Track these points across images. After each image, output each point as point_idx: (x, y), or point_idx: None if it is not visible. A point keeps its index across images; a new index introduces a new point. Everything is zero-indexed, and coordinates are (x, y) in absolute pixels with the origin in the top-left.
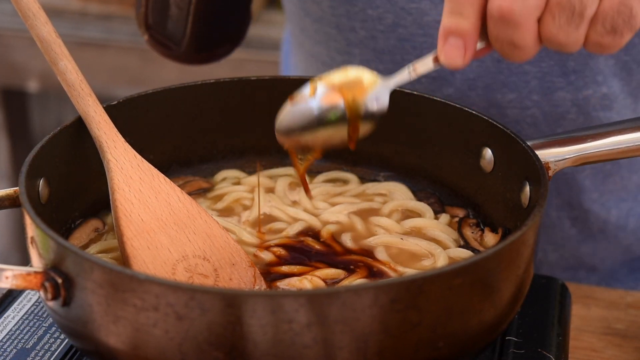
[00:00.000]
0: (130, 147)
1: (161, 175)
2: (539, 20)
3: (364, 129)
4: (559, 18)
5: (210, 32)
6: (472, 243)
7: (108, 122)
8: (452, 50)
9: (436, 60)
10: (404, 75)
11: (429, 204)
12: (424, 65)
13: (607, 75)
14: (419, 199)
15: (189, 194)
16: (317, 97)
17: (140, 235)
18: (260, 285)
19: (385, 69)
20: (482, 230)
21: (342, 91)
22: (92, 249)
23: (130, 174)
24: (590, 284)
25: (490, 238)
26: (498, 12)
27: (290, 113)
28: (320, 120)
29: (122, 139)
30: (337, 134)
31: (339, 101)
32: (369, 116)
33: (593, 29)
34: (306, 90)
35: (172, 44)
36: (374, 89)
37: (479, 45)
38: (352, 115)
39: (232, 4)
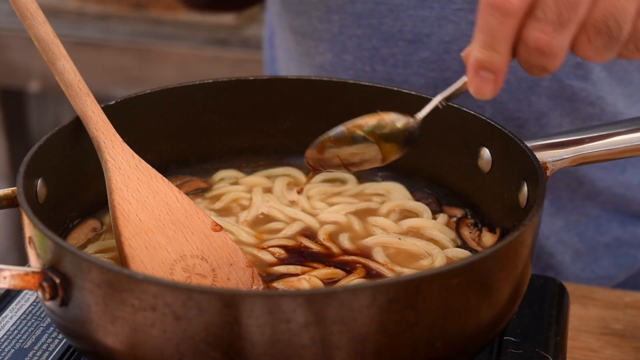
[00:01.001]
0: (128, 147)
1: (159, 175)
2: (573, 41)
3: (395, 150)
4: (595, 42)
5: None
6: (470, 243)
7: (106, 122)
8: (484, 84)
9: (464, 87)
10: (433, 104)
11: (426, 204)
12: (454, 94)
13: None
14: (417, 199)
15: (187, 193)
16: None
17: (138, 235)
18: (258, 285)
19: (363, 34)
20: (480, 230)
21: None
22: (90, 249)
23: (128, 174)
24: (574, 270)
25: (488, 238)
26: (535, 44)
27: (325, 135)
28: (351, 139)
29: (120, 139)
30: (367, 153)
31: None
32: (397, 135)
33: (625, 48)
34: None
35: None
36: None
37: None
38: (378, 135)
39: None
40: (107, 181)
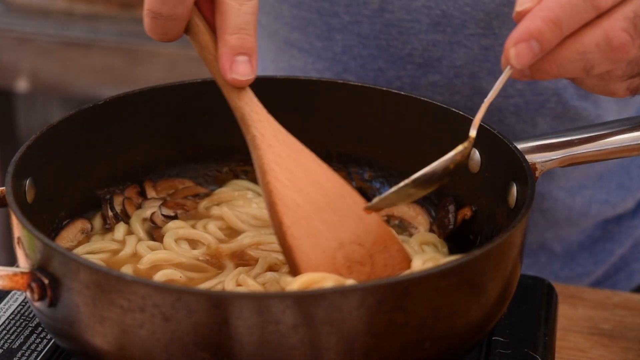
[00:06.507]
0: (273, 119)
1: (307, 150)
2: None
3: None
4: None
5: None
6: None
7: (249, 91)
8: (524, 50)
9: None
10: (483, 111)
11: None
12: (497, 87)
13: None
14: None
15: (185, 198)
16: None
17: (298, 223)
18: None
19: (369, 55)
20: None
21: None
22: (79, 250)
23: (278, 152)
24: (552, 269)
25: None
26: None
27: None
28: None
29: (265, 111)
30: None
31: None
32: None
33: None
34: None
35: None
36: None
37: None
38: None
39: None
40: (256, 160)
